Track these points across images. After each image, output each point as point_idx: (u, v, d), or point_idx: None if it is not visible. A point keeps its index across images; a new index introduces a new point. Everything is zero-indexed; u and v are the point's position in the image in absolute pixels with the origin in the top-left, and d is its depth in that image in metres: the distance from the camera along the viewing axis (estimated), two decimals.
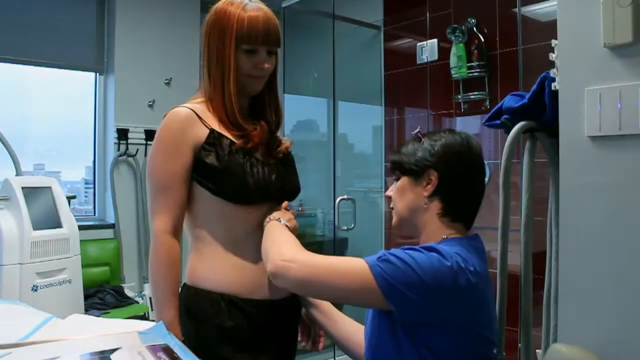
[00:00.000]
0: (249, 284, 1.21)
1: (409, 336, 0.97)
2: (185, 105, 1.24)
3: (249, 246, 1.22)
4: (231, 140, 1.21)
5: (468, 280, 0.95)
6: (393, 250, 0.99)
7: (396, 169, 1.16)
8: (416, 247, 1.01)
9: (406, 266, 0.94)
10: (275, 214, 1.22)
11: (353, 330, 1.28)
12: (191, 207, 1.24)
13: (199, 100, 1.26)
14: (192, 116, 1.21)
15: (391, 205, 1.17)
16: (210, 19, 1.25)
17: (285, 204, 1.28)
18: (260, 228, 1.23)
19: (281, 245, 1.09)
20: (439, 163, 1.09)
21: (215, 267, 1.21)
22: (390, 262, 0.95)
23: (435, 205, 1.09)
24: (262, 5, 1.24)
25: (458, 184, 1.10)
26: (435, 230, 1.08)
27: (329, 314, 1.30)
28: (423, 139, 1.12)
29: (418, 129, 1.14)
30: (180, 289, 1.25)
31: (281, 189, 1.27)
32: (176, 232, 1.21)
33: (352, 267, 0.98)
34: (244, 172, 1.20)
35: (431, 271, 0.94)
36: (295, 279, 1.01)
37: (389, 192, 1.19)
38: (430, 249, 0.99)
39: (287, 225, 1.20)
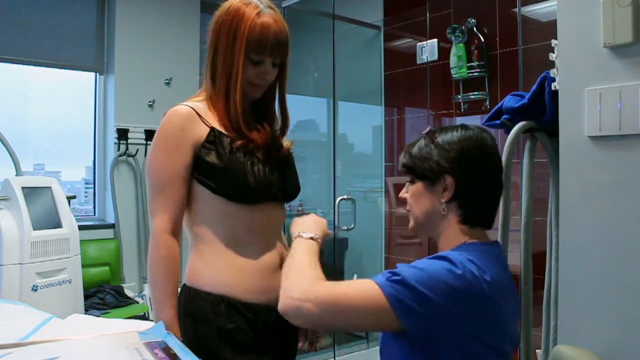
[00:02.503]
0: (248, 287, 1.20)
1: (424, 353, 0.94)
2: (185, 103, 1.22)
3: (250, 247, 1.22)
4: (232, 139, 1.20)
5: (481, 289, 0.92)
6: (401, 268, 0.95)
7: (409, 173, 1.10)
8: (424, 259, 0.97)
9: (416, 281, 0.90)
10: (298, 227, 1.18)
11: None
12: (191, 206, 1.23)
13: (200, 99, 1.25)
14: (192, 114, 1.20)
15: (407, 208, 1.12)
16: (222, 17, 1.21)
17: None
18: (261, 228, 1.23)
19: (294, 278, 1.01)
20: (454, 168, 1.03)
21: (215, 268, 1.21)
22: (401, 281, 0.91)
23: (454, 211, 1.05)
24: (276, 13, 1.21)
25: (476, 188, 1.05)
26: (454, 236, 1.05)
27: None
28: (436, 139, 1.06)
29: (429, 128, 1.08)
30: (179, 290, 1.25)
31: (282, 189, 1.26)
32: (175, 232, 1.20)
33: (366, 294, 0.93)
34: (244, 171, 1.19)
35: (440, 281, 0.90)
36: (310, 318, 0.95)
37: (403, 194, 1.13)
38: (441, 257, 0.96)
39: (312, 238, 1.14)
